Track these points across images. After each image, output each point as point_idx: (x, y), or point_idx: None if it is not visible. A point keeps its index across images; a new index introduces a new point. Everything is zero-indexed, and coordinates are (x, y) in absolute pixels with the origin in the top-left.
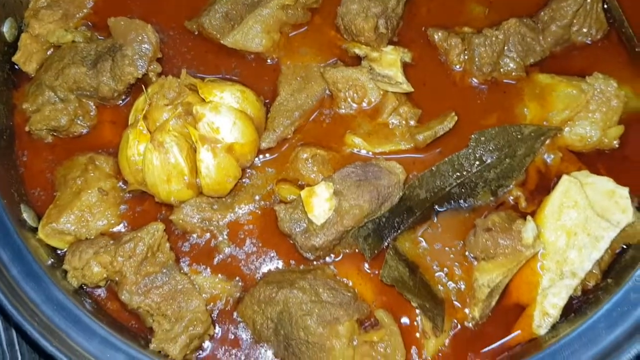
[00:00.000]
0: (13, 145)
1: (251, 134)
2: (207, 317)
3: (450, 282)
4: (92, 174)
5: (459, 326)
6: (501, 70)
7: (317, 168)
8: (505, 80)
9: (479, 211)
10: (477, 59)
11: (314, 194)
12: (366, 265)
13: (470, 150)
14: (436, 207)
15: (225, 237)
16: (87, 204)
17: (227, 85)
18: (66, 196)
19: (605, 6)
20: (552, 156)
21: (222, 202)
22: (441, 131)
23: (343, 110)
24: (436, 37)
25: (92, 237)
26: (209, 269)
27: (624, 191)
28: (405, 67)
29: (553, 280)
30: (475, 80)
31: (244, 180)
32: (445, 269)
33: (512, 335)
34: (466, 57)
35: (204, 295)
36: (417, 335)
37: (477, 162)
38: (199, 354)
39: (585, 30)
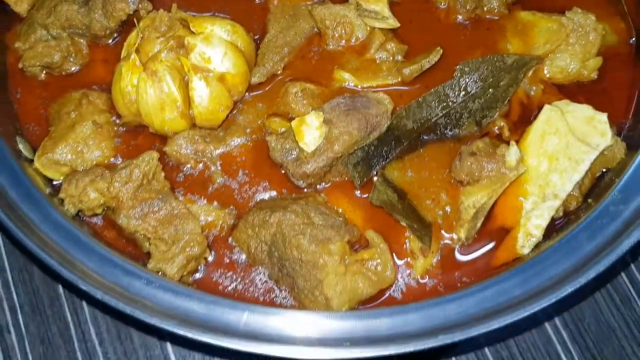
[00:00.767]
0: (6, 83)
1: (242, 65)
2: (203, 239)
3: (437, 208)
4: (86, 108)
5: (446, 248)
6: (484, 7)
7: (306, 101)
8: (488, 17)
9: (464, 141)
10: None
11: (304, 123)
12: (356, 193)
13: (455, 81)
14: (423, 137)
15: (218, 168)
16: (82, 135)
17: (218, 19)
18: (61, 129)
19: None
20: (534, 88)
21: (214, 135)
22: (427, 65)
23: (331, 47)
24: None
25: (87, 168)
26: (204, 199)
27: (603, 116)
28: (392, 5)
29: (536, 203)
30: (460, 17)
31: (235, 113)
32: (432, 195)
33: (497, 256)
34: None
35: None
36: (407, 260)
37: (462, 93)
38: (195, 277)
39: None
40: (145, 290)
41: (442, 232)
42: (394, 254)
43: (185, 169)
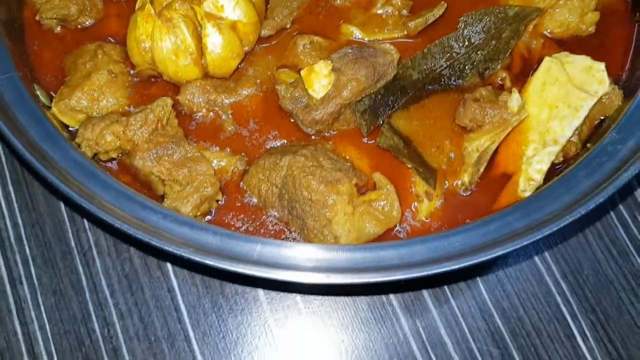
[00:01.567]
0: (23, 35)
1: (253, 15)
2: (216, 180)
3: (441, 155)
4: (101, 58)
5: (450, 192)
6: None
7: (315, 54)
8: None
9: (468, 91)
10: None
11: (313, 72)
12: (364, 140)
13: (459, 33)
14: (428, 87)
15: (229, 116)
16: (98, 84)
17: None
18: (77, 78)
19: None
20: (535, 42)
21: (225, 85)
22: (431, 18)
23: (338, 2)
24: None
25: (103, 115)
26: (215, 146)
27: (601, 65)
28: None
29: (537, 149)
30: None
31: (245, 65)
32: (436, 143)
33: (499, 200)
34: None
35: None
36: (413, 204)
37: (466, 44)
38: (207, 220)
39: None
40: (161, 223)
41: (446, 177)
42: (400, 200)
43: (197, 117)
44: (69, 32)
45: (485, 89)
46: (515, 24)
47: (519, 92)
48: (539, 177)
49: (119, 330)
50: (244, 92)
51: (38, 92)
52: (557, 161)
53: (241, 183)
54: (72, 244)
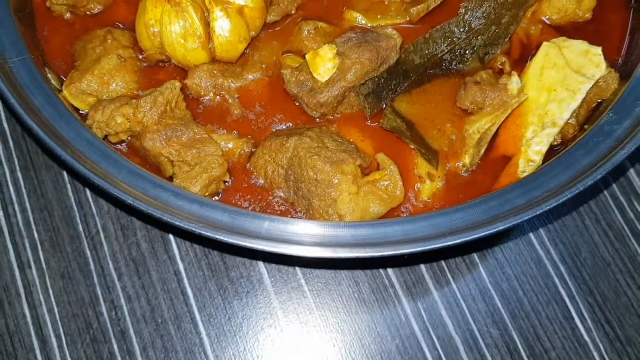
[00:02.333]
0: (34, 21)
1: (259, 0)
2: (224, 161)
3: (443, 137)
4: (110, 43)
5: (451, 173)
6: None
7: (319, 39)
8: None
9: (469, 75)
10: None
11: (317, 56)
12: (367, 123)
13: (460, 18)
14: (429, 71)
15: (236, 100)
16: (107, 67)
17: None
18: (87, 63)
19: None
20: (533, 28)
21: (232, 70)
22: (433, 4)
23: None
24: None
25: (113, 98)
26: (222, 129)
27: (597, 49)
28: None
29: (536, 131)
30: None
31: (251, 51)
32: (438, 126)
33: (499, 181)
34: None
35: None
36: (415, 185)
37: (466, 29)
38: (215, 200)
39: None
40: (172, 201)
41: (448, 159)
42: (403, 179)
43: (204, 100)
44: (78, 19)
45: (485, 72)
46: (515, 9)
47: (519, 75)
48: (537, 159)
49: (126, 313)
50: (249, 76)
51: (49, 75)
52: (555, 143)
53: (248, 165)
54: (80, 228)
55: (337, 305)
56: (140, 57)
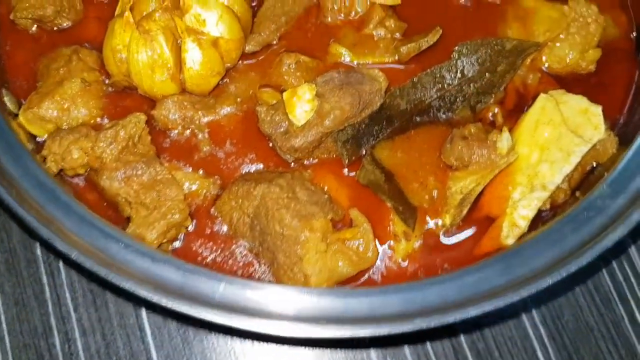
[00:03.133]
0: None
1: (237, 31)
2: (185, 206)
3: (424, 192)
4: (75, 65)
5: (430, 233)
6: None
7: (300, 74)
8: (490, 0)
9: (457, 125)
10: None
11: (295, 95)
12: (344, 171)
13: (452, 63)
14: (415, 118)
15: (205, 136)
16: (70, 92)
17: None
18: (48, 85)
19: None
20: (531, 77)
21: (204, 102)
22: (425, 44)
23: (329, 20)
24: None
25: (73, 126)
26: (189, 167)
27: (597, 109)
28: None
29: (524, 193)
30: None
31: (226, 81)
32: (420, 179)
33: (481, 245)
34: None
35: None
36: (389, 242)
37: (459, 75)
38: (174, 246)
39: None
40: (122, 254)
41: (427, 216)
42: (376, 238)
43: (172, 134)
44: (44, 33)
45: (474, 126)
46: (512, 57)
47: (511, 129)
48: (523, 224)
49: (80, 347)
50: (223, 110)
51: (6, 99)
52: (544, 208)
53: (212, 209)
54: (38, 251)
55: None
56: (107, 81)
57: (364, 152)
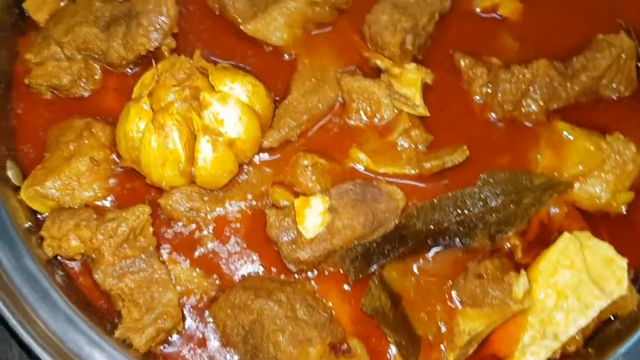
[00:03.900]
0: (9, 94)
1: (255, 131)
2: (178, 312)
3: (430, 323)
4: (86, 141)
5: None
6: (522, 110)
7: (315, 177)
8: (524, 121)
9: (474, 253)
10: (500, 95)
11: (308, 205)
12: (348, 287)
13: (476, 190)
14: (430, 241)
15: (210, 231)
16: (76, 171)
17: (239, 75)
18: (56, 159)
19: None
20: (557, 210)
21: (213, 195)
22: (449, 163)
23: (353, 122)
24: (462, 63)
25: (76, 206)
26: (188, 261)
27: (623, 262)
28: (425, 88)
29: (534, 338)
30: (494, 115)
31: (239, 176)
32: (428, 307)
33: None
34: (489, 89)
35: (178, 287)
36: None
37: (481, 203)
38: (164, 348)
39: (614, 85)
40: None
41: (431, 350)
42: None
43: (176, 226)
44: (59, 100)
45: (491, 263)
46: (539, 192)
47: (529, 265)
48: None
49: None
50: (231, 205)
51: (10, 172)
52: (553, 357)
53: (207, 312)
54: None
55: None
56: (117, 160)
57: (372, 271)
